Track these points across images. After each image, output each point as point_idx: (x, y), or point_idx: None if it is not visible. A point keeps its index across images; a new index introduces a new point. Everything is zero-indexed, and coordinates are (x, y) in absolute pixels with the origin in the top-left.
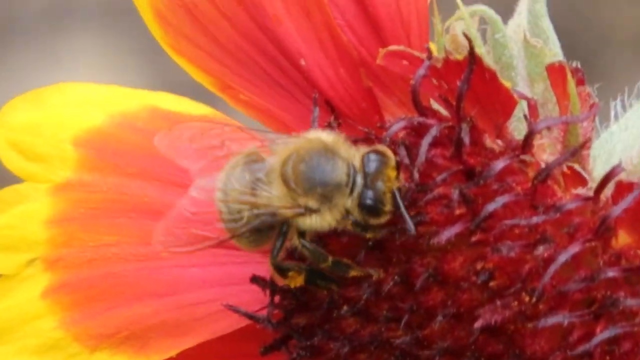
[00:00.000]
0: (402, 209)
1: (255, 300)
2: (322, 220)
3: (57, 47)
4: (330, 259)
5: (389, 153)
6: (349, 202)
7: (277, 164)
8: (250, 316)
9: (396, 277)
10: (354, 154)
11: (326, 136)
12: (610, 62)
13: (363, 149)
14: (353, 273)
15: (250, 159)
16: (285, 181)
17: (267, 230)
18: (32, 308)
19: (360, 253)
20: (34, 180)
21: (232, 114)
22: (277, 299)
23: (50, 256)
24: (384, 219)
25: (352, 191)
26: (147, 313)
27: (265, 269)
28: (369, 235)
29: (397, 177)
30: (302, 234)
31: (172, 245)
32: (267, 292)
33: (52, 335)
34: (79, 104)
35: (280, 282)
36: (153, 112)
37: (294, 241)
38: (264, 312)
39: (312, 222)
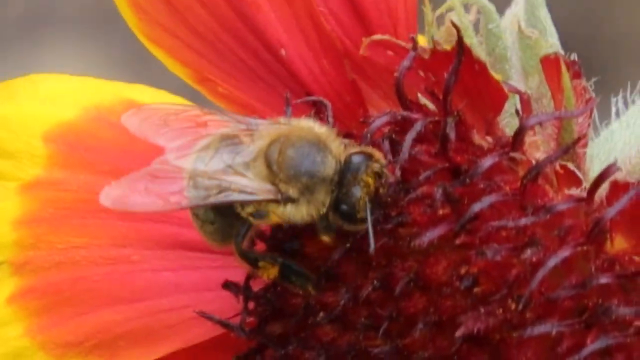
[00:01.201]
0: (369, 222)
1: (231, 306)
2: (297, 212)
3: (35, 56)
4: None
5: (377, 155)
6: (328, 201)
7: (262, 145)
8: (223, 324)
9: (375, 282)
10: (342, 152)
11: (319, 128)
12: (613, 60)
13: (351, 148)
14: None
15: (229, 138)
16: (268, 163)
17: (231, 216)
18: None
19: (335, 255)
20: (3, 178)
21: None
22: (251, 305)
23: (18, 259)
24: (360, 227)
25: (334, 190)
26: (117, 320)
27: (241, 275)
28: (323, 237)
29: (376, 185)
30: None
31: (123, 202)
32: (241, 298)
33: (17, 343)
34: (50, 96)
35: (256, 287)
36: (129, 106)
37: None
38: (238, 320)
39: (284, 211)
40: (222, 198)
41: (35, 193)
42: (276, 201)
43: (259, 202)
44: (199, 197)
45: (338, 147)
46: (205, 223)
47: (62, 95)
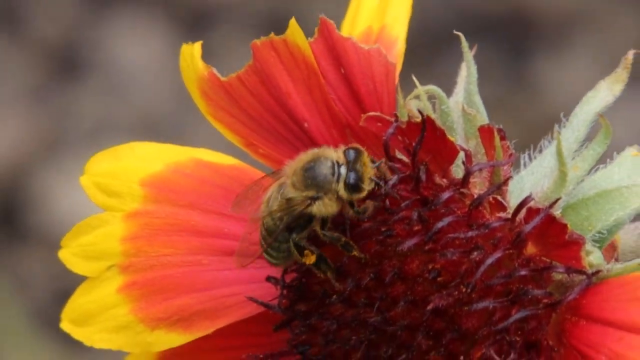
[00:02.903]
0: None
1: (269, 293)
2: (325, 205)
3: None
4: (343, 239)
5: (362, 148)
6: (339, 187)
7: (289, 179)
8: (265, 305)
9: (371, 275)
10: (339, 154)
11: (317, 149)
12: None
13: (343, 147)
14: (354, 252)
15: (279, 185)
16: (293, 185)
17: (296, 228)
18: (110, 300)
19: (344, 258)
20: (112, 210)
21: (252, 162)
22: (285, 292)
23: (124, 263)
24: (363, 194)
25: (338, 179)
26: (192, 303)
27: (277, 272)
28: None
29: (369, 164)
30: (323, 226)
31: (242, 260)
32: (278, 288)
33: (124, 319)
34: (144, 156)
35: (288, 280)
36: (197, 162)
37: (317, 231)
38: (276, 302)
39: (319, 208)
40: (287, 220)
41: (134, 220)
42: (309, 204)
43: (305, 208)
44: (276, 228)
45: (332, 153)
46: (281, 244)
47: (152, 156)
